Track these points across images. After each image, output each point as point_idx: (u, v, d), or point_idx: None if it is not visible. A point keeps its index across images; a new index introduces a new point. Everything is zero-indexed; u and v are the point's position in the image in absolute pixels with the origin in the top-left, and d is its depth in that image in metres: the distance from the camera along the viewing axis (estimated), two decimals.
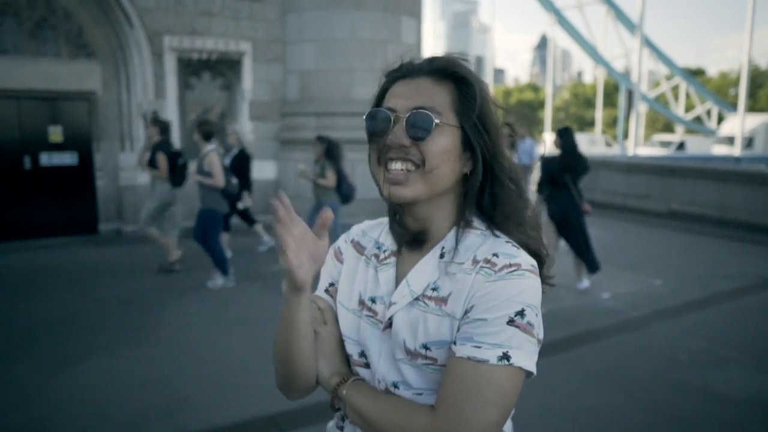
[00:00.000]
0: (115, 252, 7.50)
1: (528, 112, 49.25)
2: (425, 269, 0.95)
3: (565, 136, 5.65)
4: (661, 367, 3.98)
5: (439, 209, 0.97)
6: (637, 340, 4.51)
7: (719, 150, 26.11)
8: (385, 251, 1.03)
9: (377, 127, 0.94)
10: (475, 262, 0.90)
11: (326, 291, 1.12)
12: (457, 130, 0.92)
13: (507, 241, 0.93)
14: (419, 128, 0.90)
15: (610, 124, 46.70)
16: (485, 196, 0.96)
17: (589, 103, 50.15)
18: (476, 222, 0.97)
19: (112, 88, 8.50)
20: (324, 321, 1.07)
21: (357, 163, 8.62)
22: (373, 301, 1.01)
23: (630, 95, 31.53)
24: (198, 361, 4.08)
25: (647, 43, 33.85)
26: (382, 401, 0.95)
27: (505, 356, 0.84)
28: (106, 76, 8.45)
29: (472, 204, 0.97)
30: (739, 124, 24.17)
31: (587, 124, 49.01)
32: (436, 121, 0.90)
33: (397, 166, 0.92)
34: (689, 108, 40.68)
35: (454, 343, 0.88)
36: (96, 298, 5.49)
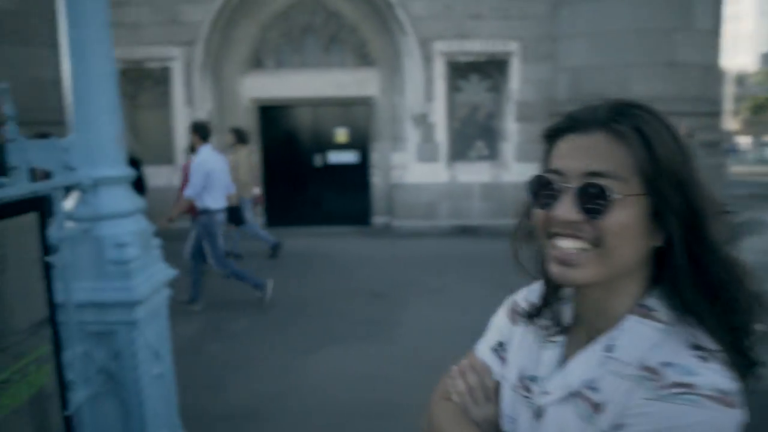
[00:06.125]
0: (383, 244, 8.15)
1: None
2: (586, 362, 0.78)
3: None
4: None
5: (618, 292, 0.78)
6: None
7: None
8: (556, 326, 0.87)
9: (540, 196, 0.78)
10: (642, 367, 0.71)
11: (494, 351, 0.96)
12: (644, 199, 0.72)
13: (695, 346, 0.71)
14: (594, 203, 0.72)
15: None
16: (680, 277, 0.74)
17: None
18: (660, 310, 0.75)
19: (387, 92, 9.24)
20: (488, 397, 0.93)
21: None
22: (532, 380, 0.86)
23: None
24: (425, 366, 4.09)
25: None
26: None
27: None
28: (383, 81, 9.22)
29: (659, 289, 0.77)
30: None
31: None
32: (617, 195, 0.71)
33: (566, 244, 0.75)
34: None
35: None
36: (352, 288, 5.98)
